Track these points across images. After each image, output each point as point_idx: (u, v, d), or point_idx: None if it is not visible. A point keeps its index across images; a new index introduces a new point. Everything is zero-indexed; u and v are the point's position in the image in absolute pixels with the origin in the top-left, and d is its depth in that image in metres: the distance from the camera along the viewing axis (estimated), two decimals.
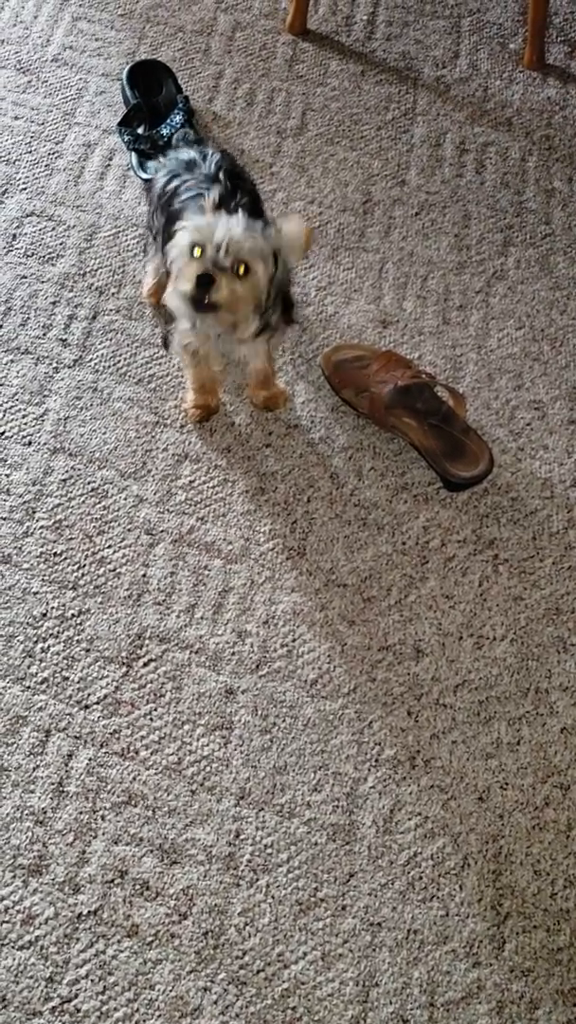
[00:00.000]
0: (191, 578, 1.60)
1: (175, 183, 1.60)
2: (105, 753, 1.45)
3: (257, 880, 1.38)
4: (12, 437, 1.71)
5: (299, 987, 1.31)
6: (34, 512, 1.64)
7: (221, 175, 1.55)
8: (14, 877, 1.35)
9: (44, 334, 1.82)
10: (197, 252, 1.43)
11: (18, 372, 1.78)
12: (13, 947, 1.31)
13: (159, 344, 1.82)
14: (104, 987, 1.29)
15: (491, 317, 1.93)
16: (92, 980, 1.30)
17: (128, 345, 1.82)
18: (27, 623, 1.54)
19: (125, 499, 1.66)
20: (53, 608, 1.56)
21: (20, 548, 1.60)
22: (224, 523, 1.66)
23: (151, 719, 1.48)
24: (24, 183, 2.01)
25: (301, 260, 1.53)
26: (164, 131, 2.03)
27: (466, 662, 1.57)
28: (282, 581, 1.61)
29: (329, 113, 2.19)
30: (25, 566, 1.59)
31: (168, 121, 2.05)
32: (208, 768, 1.45)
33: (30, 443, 1.71)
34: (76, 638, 1.53)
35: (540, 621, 1.62)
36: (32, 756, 1.44)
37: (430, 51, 2.32)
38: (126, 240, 1.95)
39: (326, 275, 1.95)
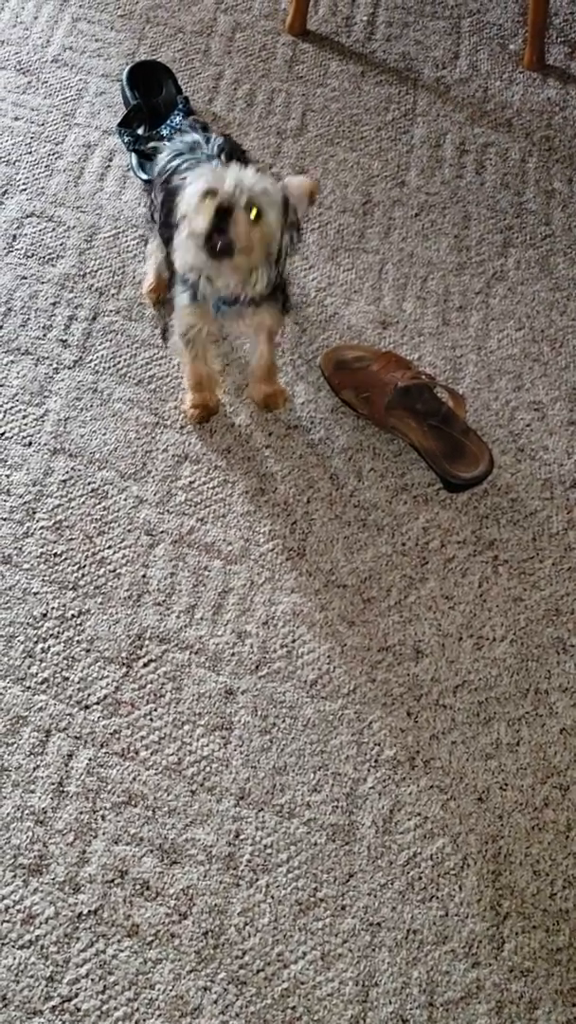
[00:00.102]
0: (191, 579, 1.60)
1: (177, 161, 1.60)
2: (105, 753, 1.45)
3: (257, 880, 1.38)
4: (12, 438, 1.71)
5: (299, 987, 1.32)
6: (34, 513, 1.64)
7: (223, 156, 1.56)
8: (14, 877, 1.36)
9: (44, 335, 1.82)
10: (209, 199, 1.44)
11: (18, 373, 1.78)
12: (13, 946, 1.31)
13: (159, 344, 1.82)
14: (104, 986, 1.30)
15: (491, 318, 1.93)
16: (92, 979, 1.30)
17: (128, 346, 1.82)
18: (27, 623, 1.54)
19: (125, 500, 1.67)
20: (53, 608, 1.56)
21: (20, 549, 1.61)
22: (224, 524, 1.66)
23: (151, 719, 1.48)
24: (24, 184, 2.01)
25: (307, 212, 1.54)
26: (164, 132, 2.03)
27: (466, 663, 1.57)
28: (282, 582, 1.61)
29: (329, 114, 2.19)
30: (25, 566, 1.59)
31: (168, 122, 2.05)
32: (208, 768, 1.45)
33: (30, 444, 1.71)
34: (76, 638, 1.54)
35: (540, 622, 1.62)
36: (32, 756, 1.44)
37: (430, 52, 2.32)
38: (126, 241, 1.95)
39: (326, 276, 1.95)
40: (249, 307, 1.57)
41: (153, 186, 1.68)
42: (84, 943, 1.32)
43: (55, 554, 1.61)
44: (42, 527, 1.63)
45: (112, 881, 1.36)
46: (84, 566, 1.60)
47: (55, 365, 1.79)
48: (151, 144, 1.97)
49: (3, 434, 1.72)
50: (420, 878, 1.40)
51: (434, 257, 2.00)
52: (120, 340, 1.83)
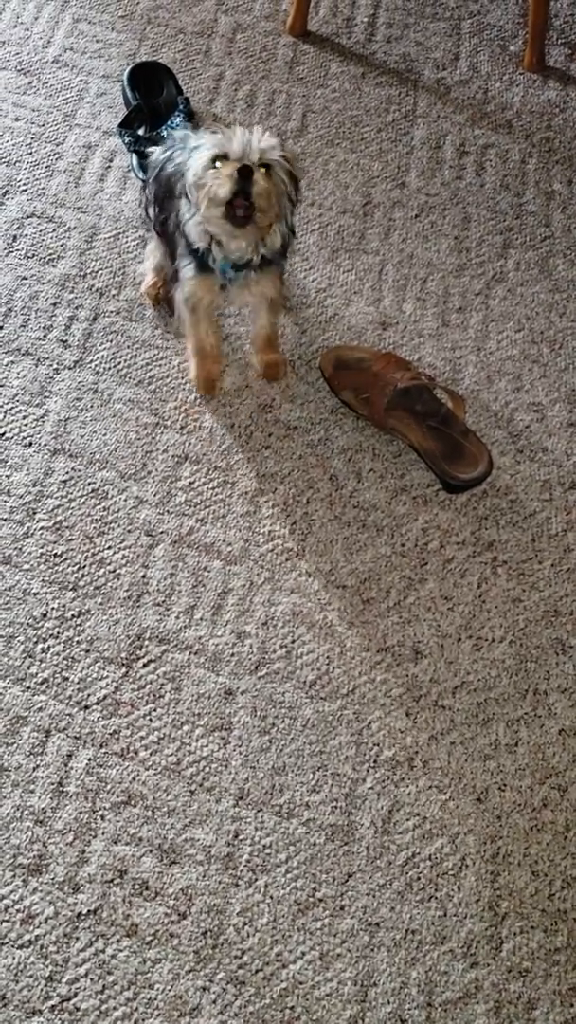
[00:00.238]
0: (191, 579, 1.61)
1: (169, 152, 1.63)
2: (105, 753, 1.45)
3: (256, 880, 1.38)
4: (12, 438, 1.72)
5: (297, 987, 1.32)
6: (34, 513, 1.64)
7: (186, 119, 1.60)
8: (14, 876, 1.36)
9: (45, 335, 1.83)
10: (223, 164, 1.46)
11: (19, 373, 1.78)
12: (13, 946, 1.32)
13: (159, 345, 1.83)
14: (103, 986, 1.30)
15: (490, 319, 1.94)
16: (91, 979, 1.30)
17: (128, 347, 1.83)
18: (27, 624, 1.54)
19: (125, 500, 1.67)
20: (53, 609, 1.56)
21: (20, 549, 1.61)
22: (224, 524, 1.66)
23: (150, 720, 1.48)
24: (25, 184, 2.01)
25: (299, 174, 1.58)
26: (164, 133, 2.03)
27: (465, 664, 1.57)
28: (281, 582, 1.62)
29: (329, 115, 2.19)
30: (25, 567, 1.59)
31: (169, 123, 2.06)
32: (207, 768, 1.45)
33: (30, 444, 1.71)
34: (76, 639, 1.54)
35: (539, 623, 1.62)
36: (32, 756, 1.44)
37: (430, 53, 2.32)
38: (126, 242, 1.95)
39: (326, 277, 1.96)
40: (255, 272, 1.59)
41: (147, 182, 1.69)
42: (83, 943, 1.32)
43: (55, 554, 1.61)
44: (42, 527, 1.63)
45: (111, 881, 1.36)
46: (84, 566, 1.60)
47: (55, 366, 1.80)
48: (152, 145, 1.98)
49: (3, 434, 1.72)
50: (419, 878, 1.40)
51: (434, 258, 2.00)
52: (120, 341, 1.83)
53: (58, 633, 1.54)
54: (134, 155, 2.03)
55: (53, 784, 1.42)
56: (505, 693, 1.55)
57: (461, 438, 1.71)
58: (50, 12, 2.29)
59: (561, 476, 1.77)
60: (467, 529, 1.70)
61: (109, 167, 2.05)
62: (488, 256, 2.02)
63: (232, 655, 1.55)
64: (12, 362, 1.79)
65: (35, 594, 1.57)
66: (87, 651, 1.53)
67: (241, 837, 1.41)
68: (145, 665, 1.53)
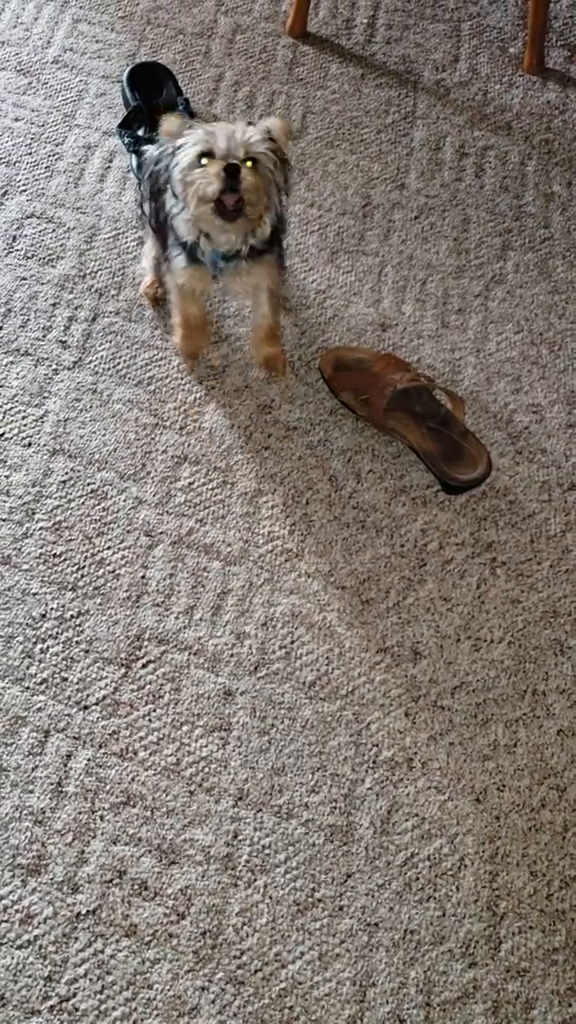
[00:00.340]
0: (190, 580, 1.61)
1: (161, 151, 1.63)
2: (104, 754, 1.45)
3: (255, 880, 1.38)
4: (12, 439, 1.72)
5: (296, 987, 1.32)
6: (34, 513, 1.65)
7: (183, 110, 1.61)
8: (13, 877, 1.36)
9: (44, 336, 1.83)
10: (210, 162, 1.48)
11: (18, 374, 1.78)
12: (12, 946, 1.32)
13: (159, 346, 1.83)
14: (102, 986, 1.30)
15: (490, 321, 1.94)
16: (90, 979, 1.30)
17: (128, 347, 1.83)
18: (26, 624, 1.55)
19: (124, 501, 1.67)
20: (52, 609, 1.56)
21: (20, 549, 1.61)
22: (223, 525, 1.66)
23: (150, 720, 1.48)
24: (24, 185, 2.01)
25: (288, 149, 1.58)
26: None
27: (464, 664, 1.58)
28: (281, 583, 1.62)
29: (329, 116, 2.19)
30: (24, 567, 1.59)
31: None
32: (206, 769, 1.45)
33: (30, 444, 1.71)
34: (75, 639, 1.54)
35: (537, 624, 1.62)
36: (31, 756, 1.44)
37: (430, 55, 2.33)
38: (126, 242, 1.95)
39: (325, 278, 1.96)
40: (246, 261, 1.60)
41: (142, 179, 1.70)
42: (82, 943, 1.32)
43: (54, 555, 1.61)
44: (41, 528, 1.63)
45: (110, 881, 1.36)
46: (83, 567, 1.60)
47: (55, 366, 1.80)
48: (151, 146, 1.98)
49: (3, 435, 1.72)
50: (417, 879, 1.40)
51: (433, 260, 2.01)
52: (120, 341, 1.83)
53: (57, 633, 1.54)
54: (133, 156, 2.03)
55: (52, 784, 1.43)
56: (504, 694, 1.56)
57: (460, 439, 1.72)
58: (50, 13, 2.29)
59: (560, 477, 1.77)
60: (466, 530, 1.70)
61: (109, 168, 2.05)
62: (487, 258, 2.02)
63: (231, 656, 1.55)
64: (11, 362, 1.79)
65: (34, 594, 1.57)
66: (86, 651, 1.53)
67: (240, 837, 1.41)
68: (144, 665, 1.53)
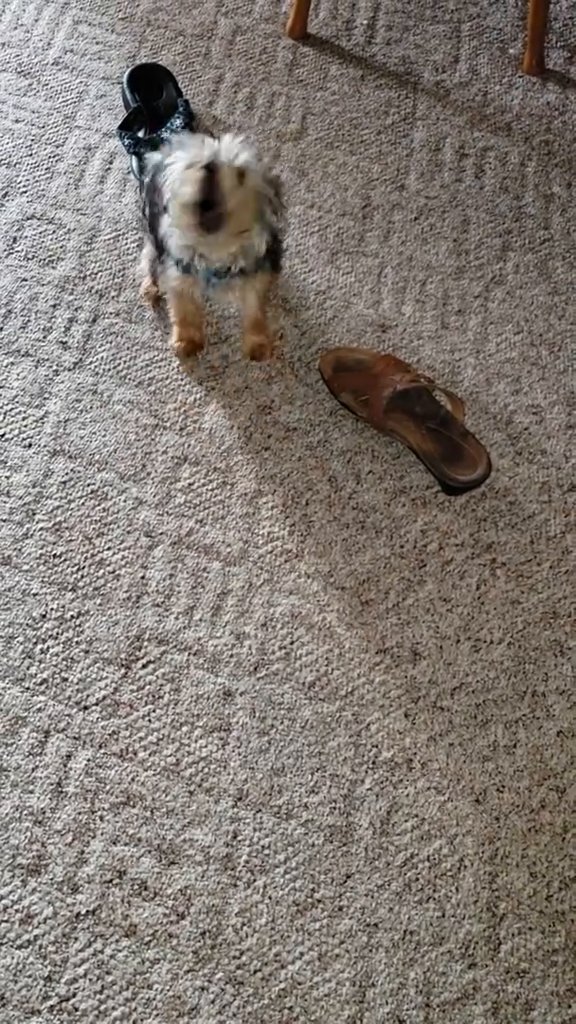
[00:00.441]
0: (190, 580, 1.61)
1: (162, 156, 1.63)
2: (104, 754, 1.45)
3: (255, 881, 1.38)
4: (12, 439, 1.72)
5: (296, 987, 1.32)
6: (34, 514, 1.65)
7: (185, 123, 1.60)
8: (13, 877, 1.36)
9: (44, 337, 1.83)
10: (194, 171, 1.47)
11: (18, 375, 1.79)
12: (12, 946, 1.32)
13: (159, 347, 1.83)
14: (102, 986, 1.30)
15: (489, 322, 1.94)
16: (90, 979, 1.30)
17: (128, 348, 1.83)
18: (27, 624, 1.55)
19: (124, 501, 1.67)
20: (52, 609, 1.56)
21: (20, 550, 1.61)
22: (223, 525, 1.66)
23: (149, 720, 1.49)
24: (25, 186, 2.01)
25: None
26: (164, 135, 2.04)
27: (463, 665, 1.58)
28: (280, 584, 1.62)
29: (329, 117, 2.19)
30: (25, 568, 1.60)
31: (168, 125, 2.06)
32: (206, 769, 1.46)
33: (30, 445, 1.71)
34: (75, 639, 1.54)
35: (537, 625, 1.62)
36: (31, 756, 1.45)
37: (430, 56, 2.33)
38: (126, 244, 1.96)
39: (325, 279, 1.96)
40: (237, 278, 1.59)
41: (143, 184, 1.70)
42: (82, 943, 1.32)
43: (54, 555, 1.61)
44: (41, 528, 1.63)
45: (110, 881, 1.37)
46: (83, 567, 1.60)
47: (55, 367, 1.80)
48: (151, 147, 1.98)
49: (3, 436, 1.72)
50: (417, 879, 1.40)
51: (433, 261, 2.01)
52: (120, 342, 1.83)
53: (57, 634, 1.54)
54: (134, 157, 2.03)
55: (52, 784, 1.43)
56: (503, 695, 1.56)
57: (460, 440, 1.72)
58: (50, 14, 2.29)
59: (560, 478, 1.77)
60: (466, 531, 1.70)
61: (109, 169, 2.05)
62: (487, 259, 2.03)
63: (231, 656, 1.55)
64: (12, 363, 1.80)
65: (34, 595, 1.57)
66: (86, 652, 1.53)
67: (240, 838, 1.41)
68: (144, 666, 1.53)
